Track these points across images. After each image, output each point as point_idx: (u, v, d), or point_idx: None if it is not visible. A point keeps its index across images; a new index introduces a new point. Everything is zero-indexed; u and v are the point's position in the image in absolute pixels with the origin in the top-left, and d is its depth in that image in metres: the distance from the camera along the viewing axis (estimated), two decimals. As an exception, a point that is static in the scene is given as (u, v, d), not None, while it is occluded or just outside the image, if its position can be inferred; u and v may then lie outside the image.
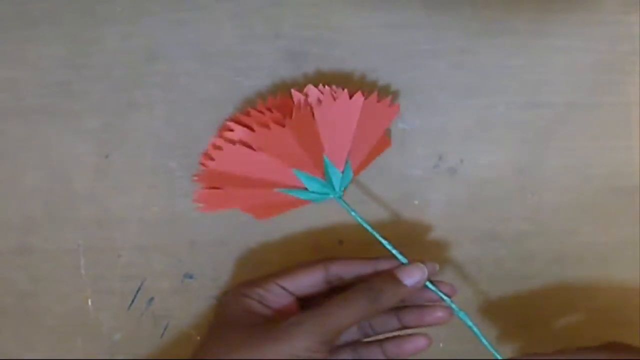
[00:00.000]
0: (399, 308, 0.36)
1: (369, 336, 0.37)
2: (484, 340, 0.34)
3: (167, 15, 0.40)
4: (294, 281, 0.36)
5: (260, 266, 0.39)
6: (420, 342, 0.35)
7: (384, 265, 0.36)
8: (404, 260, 0.35)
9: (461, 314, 0.35)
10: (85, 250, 0.40)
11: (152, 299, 0.40)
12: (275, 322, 0.33)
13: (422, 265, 0.34)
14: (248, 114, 0.36)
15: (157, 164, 0.40)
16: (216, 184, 0.36)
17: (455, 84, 0.40)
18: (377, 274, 0.35)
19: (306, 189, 0.36)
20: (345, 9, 0.40)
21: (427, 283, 0.35)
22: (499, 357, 0.34)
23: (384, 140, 0.39)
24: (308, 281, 0.36)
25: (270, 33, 0.40)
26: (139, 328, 0.40)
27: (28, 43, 0.40)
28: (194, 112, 0.40)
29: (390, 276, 0.34)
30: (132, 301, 0.40)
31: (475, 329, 0.35)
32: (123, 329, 0.40)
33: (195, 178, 0.36)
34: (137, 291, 0.40)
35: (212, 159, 0.35)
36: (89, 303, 0.40)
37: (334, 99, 0.35)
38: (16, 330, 0.41)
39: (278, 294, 0.35)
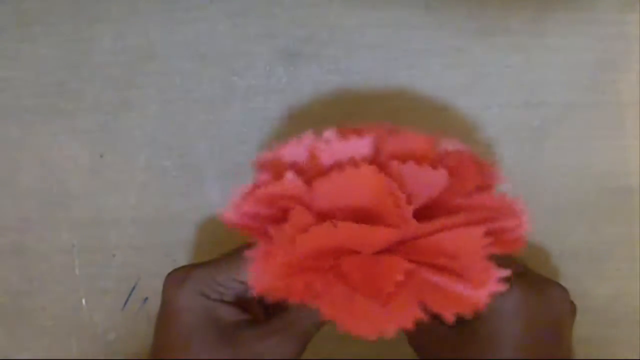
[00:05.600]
0: None
1: None
2: None
3: (162, 15, 0.40)
4: None
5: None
6: None
7: None
8: None
9: None
10: (79, 249, 0.40)
11: (146, 298, 0.40)
12: (243, 326, 0.31)
13: None
14: None
15: (152, 164, 0.40)
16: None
17: (451, 83, 0.40)
18: None
19: None
20: (340, 8, 0.40)
21: None
22: None
23: None
24: None
25: (265, 33, 0.40)
26: (133, 328, 0.40)
27: (23, 43, 0.40)
28: (188, 112, 0.40)
29: None
30: (127, 301, 0.40)
31: None
32: (117, 329, 0.40)
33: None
34: (132, 291, 0.40)
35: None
36: (84, 303, 0.40)
37: None
38: (10, 330, 0.41)
39: (235, 287, 0.32)
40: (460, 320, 0.32)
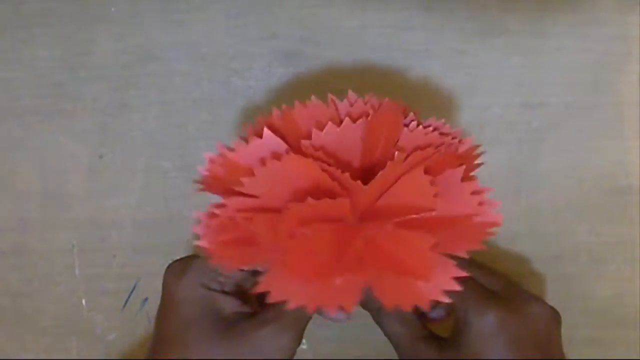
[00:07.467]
0: None
1: None
2: None
3: (162, 16, 0.40)
4: None
5: (254, 267, 0.39)
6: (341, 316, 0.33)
7: None
8: None
9: None
10: (79, 250, 0.40)
11: (146, 299, 0.40)
12: (241, 318, 0.31)
13: None
14: None
15: (152, 165, 0.40)
16: None
17: (451, 84, 0.40)
18: None
19: None
20: (340, 9, 0.40)
21: None
22: None
23: None
24: None
25: (264, 33, 0.40)
26: (133, 328, 0.40)
27: (23, 44, 0.40)
28: (188, 113, 0.40)
29: None
30: (127, 301, 0.40)
31: None
32: (117, 329, 0.40)
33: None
34: (132, 291, 0.40)
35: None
36: (84, 303, 0.40)
37: None
38: (10, 330, 0.41)
39: (236, 275, 0.32)
40: (444, 344, 0.32)
